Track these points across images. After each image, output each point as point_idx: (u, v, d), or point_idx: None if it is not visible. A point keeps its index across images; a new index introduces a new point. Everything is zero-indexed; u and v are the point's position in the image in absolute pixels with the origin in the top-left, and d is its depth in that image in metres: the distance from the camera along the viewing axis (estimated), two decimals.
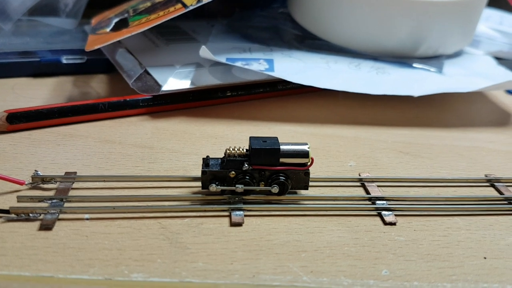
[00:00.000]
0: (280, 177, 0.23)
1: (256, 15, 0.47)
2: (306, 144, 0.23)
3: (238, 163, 0.23)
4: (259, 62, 0.36)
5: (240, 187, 0.23)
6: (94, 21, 0.43)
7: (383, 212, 0.23)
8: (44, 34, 0.44)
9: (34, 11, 0.44)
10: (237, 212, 0.23)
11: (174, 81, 0.33)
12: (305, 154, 0.23)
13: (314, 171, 0.27)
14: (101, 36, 0.36)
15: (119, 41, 0.39)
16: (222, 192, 0.24)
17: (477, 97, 0.40)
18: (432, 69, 0.37)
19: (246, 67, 0.35)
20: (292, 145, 0.23)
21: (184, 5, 0.34)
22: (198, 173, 0.26)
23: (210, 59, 0.34)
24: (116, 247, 0.20)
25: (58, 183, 0.24)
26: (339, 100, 0.37)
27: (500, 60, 0.43)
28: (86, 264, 0.19)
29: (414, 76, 0.36)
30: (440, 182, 0.27)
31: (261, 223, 0.22)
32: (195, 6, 0.34)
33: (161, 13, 0.35)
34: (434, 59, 0.39)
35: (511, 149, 0.32)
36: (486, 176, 0.27)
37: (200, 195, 0.24)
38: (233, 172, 0.23)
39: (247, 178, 0.23)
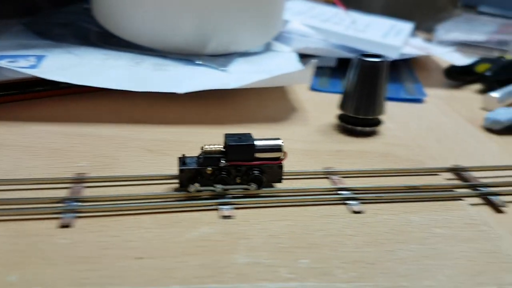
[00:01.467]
0: (255, 172, 0.24)
1: (60, 11, 0.45)
2: (279, 138, 0.25)
3: (215, 160, 0.24)
4: (27, 58, 0.34)
5: (219, 187, 0.24)
6: None
7: (64, 215, 0.22)
8: None
9: None
10: None
11: None
12: (278, 148, 0.24)
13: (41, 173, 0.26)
14: None
15: None
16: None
17: (278, 93, 0.40)
18: (214, 66, 0.37)
19: (9, 64, 0.33)
20: (265, 140, 0.24)
21: None
22: None
23: None
24: None
25: None
26: (123, 99, 0.36)
27: (316, 57, 0.44)
28: None
29: (191, 74, 0.35)
30: (149, 180, 0.26)
31: None
32: None
33: None
34: (223, 57, 0.39)
35: None
36: None
37: None
38: (209, 168, 0.24)
39: (224, 174, 0.24)
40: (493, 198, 0.26)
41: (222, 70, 0.37)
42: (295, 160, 0.29)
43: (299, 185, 0.26)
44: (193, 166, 0.24)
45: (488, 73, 0.45)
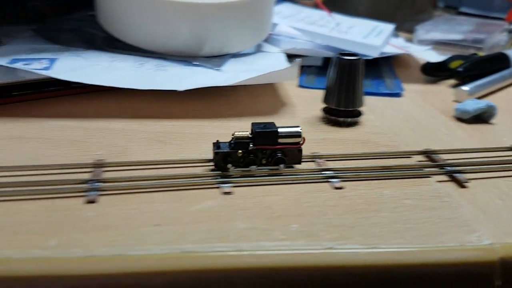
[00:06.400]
0: (278, 155, 0.28)
1: (66, 18, 0.48)
2: (298, 126, 0.29)
3: (245, 144, 0.28)
4: (40, 61, 0.38)
5: (254, 167, 0.28)
6: None
7: (89, 193, 0.26)
8: None
9: None
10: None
11: None
12: (298, 135, 0.29)
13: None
14: None
15: None
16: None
17: (268, 90, 0.44)
18: (210, 66, 0.41)
19: (24, 67, 0.36)
20: (286, 127, 0.29)
21: None
22: None
23: None
24: None
25: None
26: (130, 97, 0.39)
27: (302, 57, 0.48)
28: None
29: (189, 73, 0.39)
30: (164, 164, 0.30)
31: None
32: None
33: None
34: (217, 58, 0.42)
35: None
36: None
37: None
38: (240, 151, 0.28)
39: (251, 156, 0.28)
40: (457, 175, 0.30)
41: (217, 69, 0.41)
42: None
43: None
44: (226, 149, 0.28)
45: (460, 69, 0.49)
